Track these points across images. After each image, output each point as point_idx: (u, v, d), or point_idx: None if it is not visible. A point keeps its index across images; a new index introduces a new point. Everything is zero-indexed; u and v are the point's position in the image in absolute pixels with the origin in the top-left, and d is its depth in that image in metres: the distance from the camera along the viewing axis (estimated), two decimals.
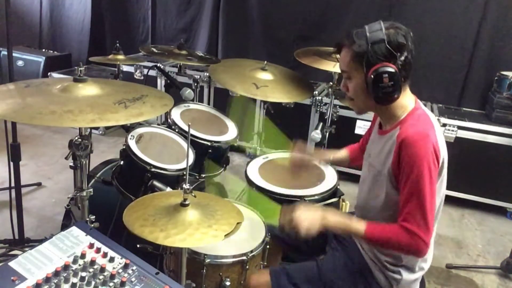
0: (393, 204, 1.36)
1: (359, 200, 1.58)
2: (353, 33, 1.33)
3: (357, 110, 1.46)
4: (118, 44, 2.47)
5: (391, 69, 1.27)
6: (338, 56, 1.44)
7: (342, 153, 1.85)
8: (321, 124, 2.52)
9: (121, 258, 1.20)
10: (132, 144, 1.88)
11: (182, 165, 1.91)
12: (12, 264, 1.14)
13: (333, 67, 2.37)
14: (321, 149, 1.83)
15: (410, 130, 1.30)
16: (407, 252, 1.35)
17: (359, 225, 1.34)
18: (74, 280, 1.11)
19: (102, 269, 1.15)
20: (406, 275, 1.41)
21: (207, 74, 3.67)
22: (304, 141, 1.84)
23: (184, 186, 1.29)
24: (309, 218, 1.35)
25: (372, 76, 1.29)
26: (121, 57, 2.45)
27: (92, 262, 1.17)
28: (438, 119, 3.17)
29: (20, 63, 4.39)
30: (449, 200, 3.26)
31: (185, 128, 2.12)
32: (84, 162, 1.52)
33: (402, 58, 1.29)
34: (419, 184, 1.25)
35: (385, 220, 1.38)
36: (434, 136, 1.30)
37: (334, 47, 1.45)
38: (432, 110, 3.47)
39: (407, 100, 1.38)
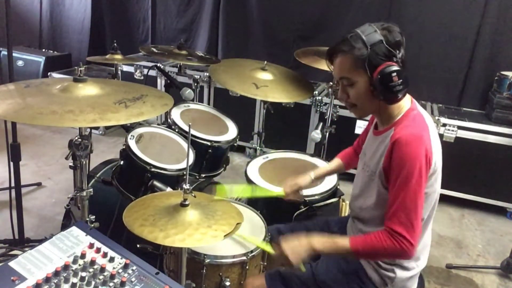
0: (384, 203, 1.37)
1: (352, 197, 1.58)
2: (348, 38, 1.32)
3: (359, 115, 1.45)
4: (115, 44, 2.46)
5: (395, 67, 1.27)
6: (331, 66, 1.42)
7: (334, 164, 1.85)
8: (321, 124, 2.52)
9: (121, 258, 1.20)
10: (132, 144, 1.88)
11: (182, 165, 1.92)
12: (12, 264, 1.14)
13: None
14: (307, 175, 1.82)
15: (404, 131, 1.30)
16: (394, 255, 1.35)
17: (344, 242, 1.33)
18: (74, 280, 1.11)
19: (102, 269, 1.15)
20: (400, 273, 1.41)
21: (207, 74, 3.67)
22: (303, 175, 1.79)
23: (184, 186, 1.29)
24: (294, 248, 1.35)
25: (379, 77, 1.28)
26: (118, 57, 2.44)
27: (92, 262, 1.17)
28: (438, 119, 3.17)
29: (20, 63, 4.39)
30: (449, 200, 3.27)
31: (185, 128, 2.12)
32: (84, 162, 1.52)
33: (400, 55, 1.31)
34: (406, 185, 1.25)
35: (377, 218, 1.41)
36: (428, 138, 1.29)
37: (327, 57, 1.42)
38: (432, 110, 3.47)
39: (404, 100, 1.37)
